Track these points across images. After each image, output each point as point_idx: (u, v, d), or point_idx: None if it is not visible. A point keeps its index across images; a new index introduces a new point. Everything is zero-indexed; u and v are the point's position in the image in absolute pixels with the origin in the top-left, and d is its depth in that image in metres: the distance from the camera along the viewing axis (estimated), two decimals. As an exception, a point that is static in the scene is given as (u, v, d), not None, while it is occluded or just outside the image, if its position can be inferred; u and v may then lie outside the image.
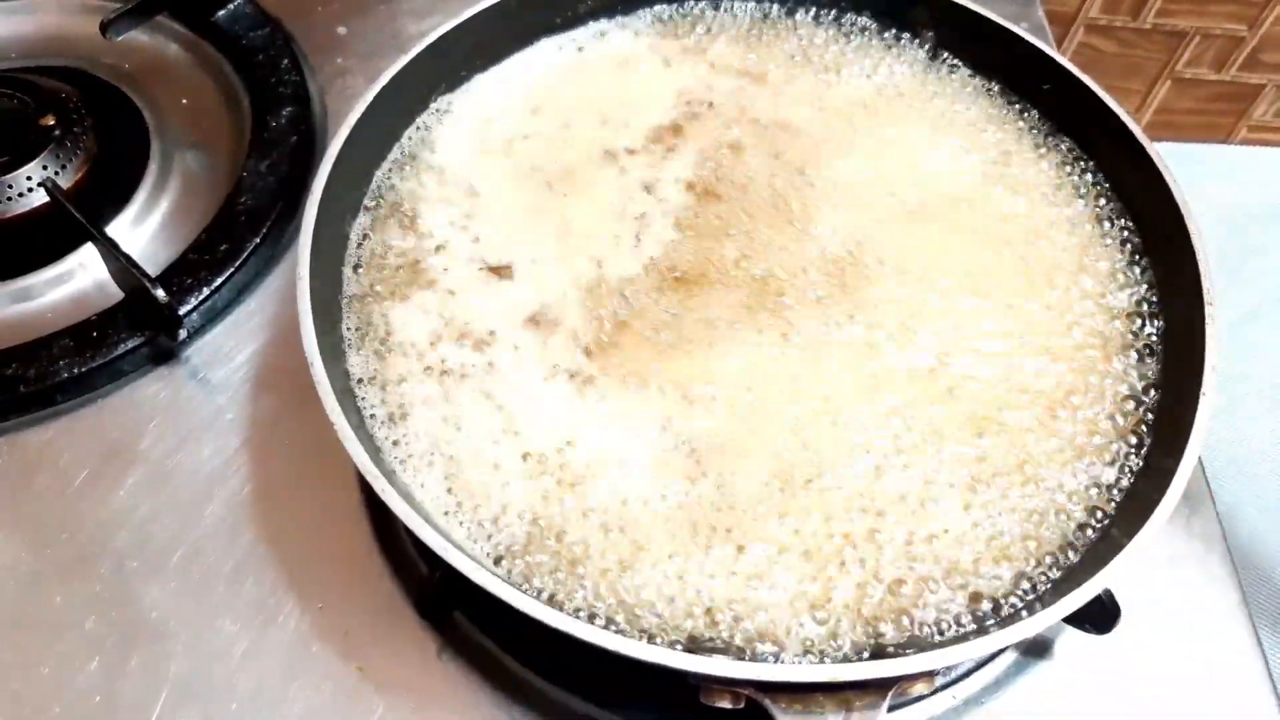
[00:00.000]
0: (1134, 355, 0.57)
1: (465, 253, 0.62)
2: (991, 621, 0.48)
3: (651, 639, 0.47)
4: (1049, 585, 0.49)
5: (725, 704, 0.44)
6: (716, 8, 0.74)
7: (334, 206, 0.59)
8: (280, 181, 0.70)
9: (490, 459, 0.53)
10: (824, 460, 0.53)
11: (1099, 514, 0.51)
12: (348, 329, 0.58)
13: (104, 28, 0.75)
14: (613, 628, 0.48)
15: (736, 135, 0.67)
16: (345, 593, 0.56)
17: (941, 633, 0.48)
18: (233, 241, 0.67)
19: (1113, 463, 0.53)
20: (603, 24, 0.73)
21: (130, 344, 0.62)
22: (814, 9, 0.73)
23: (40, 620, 0.55)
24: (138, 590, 0.56)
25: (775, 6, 0.73)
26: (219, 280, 0.65)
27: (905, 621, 0.48)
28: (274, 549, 0.57)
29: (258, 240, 0.67)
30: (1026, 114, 0.67)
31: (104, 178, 0.72)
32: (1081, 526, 0.51)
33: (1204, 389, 0.50)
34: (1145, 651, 0.55)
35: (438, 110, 0.68)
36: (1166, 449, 0.51)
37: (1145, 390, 0.55)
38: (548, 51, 0.72)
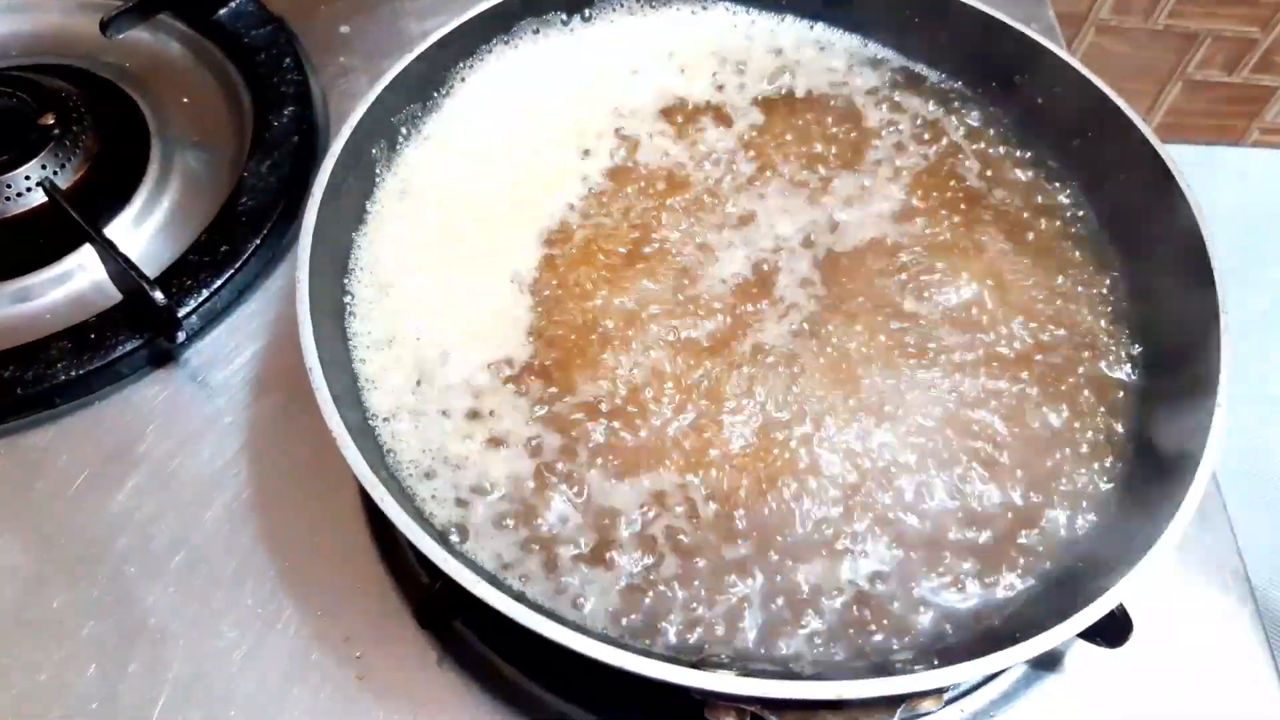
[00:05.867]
0: (1147, 365, 0.56)
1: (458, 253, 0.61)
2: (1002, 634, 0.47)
3: (654, 653, 0.46)
4: (1062, 600, 0.48)
5: (729, 720, 0.43)
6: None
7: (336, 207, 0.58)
8: (281, 182, 0.69)
9: (491, 467, 0.53)
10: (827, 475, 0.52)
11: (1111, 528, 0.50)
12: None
13: (104, 26, 0.75)
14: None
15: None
16: (345, 598, 0.55)
17: (947, 643, 0.47)
18: (233, 243, 0.66)
19: (1127, 475, 0.52)
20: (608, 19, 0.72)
21: (129, 346, 0.62)
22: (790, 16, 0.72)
23: (39, 624, 0.55)
24: (137, 594, 0.55)
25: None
26: (218, 282, 0.65)
27: (910, 635, 0.48)
28: (274, 553, 0.57)
29: (258, 241, 0.66)
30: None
31: (104, 177, 0.71)
32: (1093, 539, 0.50)
33: (1219, 400, 0.49)
34: (1157, 666, 0.54)
35: (435, 106, 0.67)
36: (1180, 461, 0.50)
37: (1159, 401, 0.54)
38: (547, 48, 0.71)
